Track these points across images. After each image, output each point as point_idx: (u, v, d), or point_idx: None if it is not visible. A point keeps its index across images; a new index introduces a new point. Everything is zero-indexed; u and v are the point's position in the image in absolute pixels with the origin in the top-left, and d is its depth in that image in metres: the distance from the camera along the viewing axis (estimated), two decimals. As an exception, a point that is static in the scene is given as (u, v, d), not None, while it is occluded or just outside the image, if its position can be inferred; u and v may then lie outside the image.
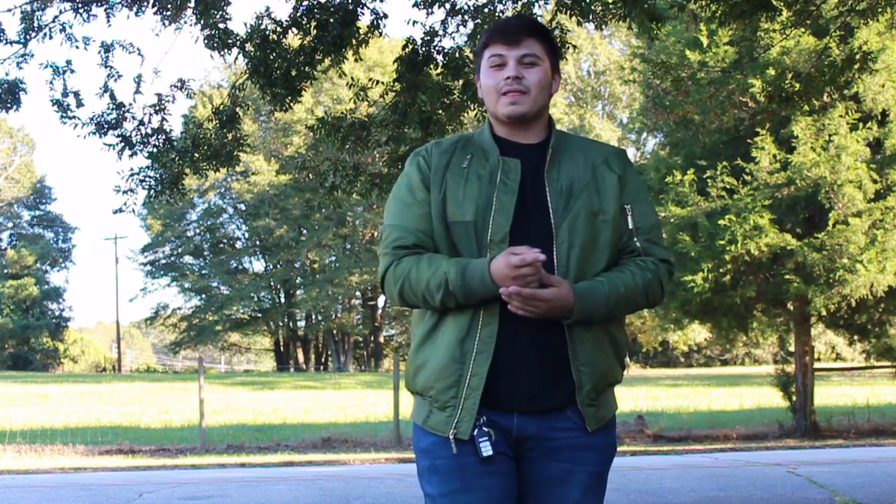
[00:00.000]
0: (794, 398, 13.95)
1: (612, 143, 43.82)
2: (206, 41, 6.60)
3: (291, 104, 6.91)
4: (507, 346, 2.19)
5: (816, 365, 17.09)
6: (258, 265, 48.23)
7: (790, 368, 14.18)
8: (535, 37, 2.31)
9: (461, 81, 7.14)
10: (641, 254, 2.31)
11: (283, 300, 47.60)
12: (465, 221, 2.22)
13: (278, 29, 6.82)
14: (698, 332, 33.70)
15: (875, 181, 12.97)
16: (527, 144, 2.32)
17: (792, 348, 14.96)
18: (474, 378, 2.18)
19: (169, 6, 6.44)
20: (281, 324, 48.24)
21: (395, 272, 2.26)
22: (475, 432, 2.19)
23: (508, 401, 2.21)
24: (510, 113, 2.28)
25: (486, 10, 7.15)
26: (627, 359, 45.80)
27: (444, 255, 2.24)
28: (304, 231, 44.58)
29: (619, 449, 11.97)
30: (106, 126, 6.79)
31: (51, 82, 6.66)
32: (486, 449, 2.18)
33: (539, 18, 7.41)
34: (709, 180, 13.21)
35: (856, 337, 15.72)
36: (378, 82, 7.59)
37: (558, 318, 2.17)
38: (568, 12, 6.91)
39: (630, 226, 2.29)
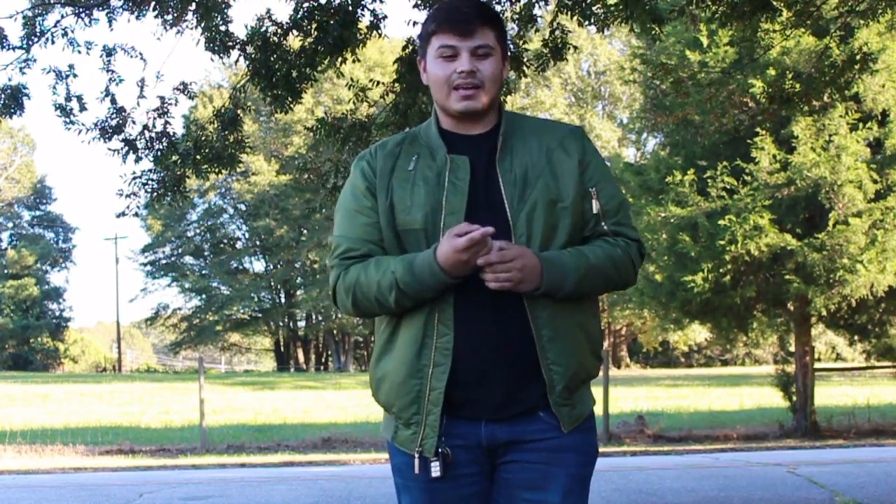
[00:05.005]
0: (794, 398, 13.96)
1: (612, 143, 43.87)
2: (206, 44, 6.61)
3: (292, 105, 6.91)
4: (467, 354, 2.09)
5: (817, 365, 17.10)
6: (258, 265, 48.30)
7: (790, 368, 14.19)
8: (487, 25, 2.17)
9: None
10: (611, 236, 2.20)
11: (283, 300, 47.60)
12: (415, 229, 2.13)
13: (279, 31, 6.83)
14: (698, 333, 33.73)
15: (875, 181, 12.97)
16: (475, 135, 2.21)
17: (792, 348, 14.97)
18: (433, 393, 2.10)
19: (170, 10, 6.45)
20: (281, 324, 48.25)
21: (344, 282, 2.17)
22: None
23: (474, 409, 2.13)
24: (464, 109, 2.17)
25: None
26: (628, 359, 45.87)
27: (392, 256, 2.14)
28: (305, 231, 44.56)
29: (619, 449, 12.10)
30: (110, 131, 6.80)
31: (53, 87, 6.67)
32: (436, 470, 2.11)
33: (539, 20, 7.42)
34: (709, 180, 13.22)
35: (856, 337, 15.73)
36: (378, 83, 7.60)
37: (530, 287, 2.06)
38: (569, 13, 6.91)
39: (596, 210, 2.18)
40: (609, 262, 2.16)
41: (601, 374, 14.38)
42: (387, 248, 2.17)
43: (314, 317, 47.04)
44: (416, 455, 2.13)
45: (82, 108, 6.73)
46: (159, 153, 6.94)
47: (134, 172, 7.00)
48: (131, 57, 6.78)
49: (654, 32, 6.67)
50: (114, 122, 6.82)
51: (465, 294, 2.10)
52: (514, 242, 2.10)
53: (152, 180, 7.04)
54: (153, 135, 6.92)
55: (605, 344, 43.40)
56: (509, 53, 2.33)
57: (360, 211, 2.19)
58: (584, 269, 2.12)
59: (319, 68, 7.05)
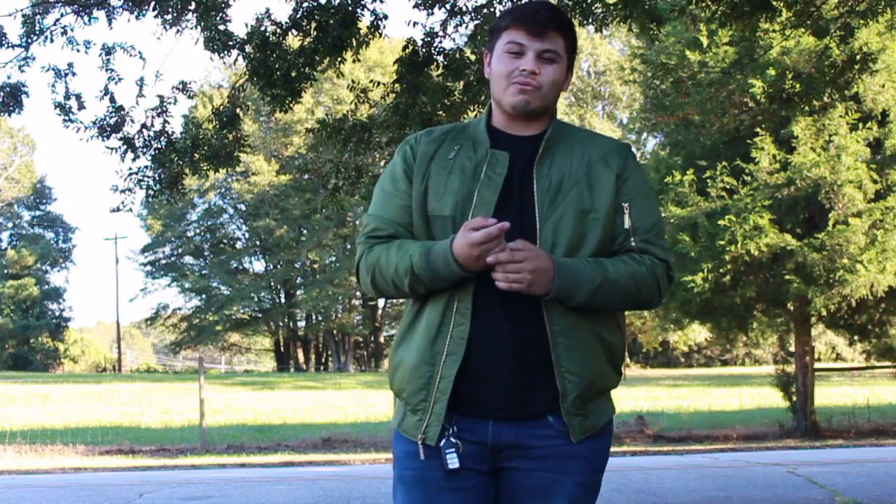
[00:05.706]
0: (794, 398, 13.96)
1: (612, 143, 43.86)
2: (206, 43, 6.61)
3: (291, 105, 6.91)
4: (480, 349, 2.08)
5: (817, 365, 17.10)
6: (258, 265, 48.28)
7: (790, 369, 14.20)
8: (560, 32, 2.16)
9: (461, 83, 7.15)
10: (637, 252, 2.16)
11: (283, 300, 47.60)
12: (444, 216, 2.12)
13: (278, 31, 6.83)
14: (698, 333, 33.71)
15: (875, 181, 12.98)
16: (522, 136, 2.18)
17: (792, 348, 14.97)
18: (443, 381, 2.08)
19: (170, 9, 6.45)
20: (281, 324, 48.25)
21: (366, 260, 2.18)
22: (442, 443, 2.09)
23: (482, 406, 2.10)
24: (517, 103, 2.14)
25: (485, 10, 7.16)
26: (628, 359, 45.90)
27: (416, 241, 2.14)
28: (305, 231, 44.58)
29: (619, 449, 12.08)
30: (108, 129, 6.80)
31: (53, 85, 6.67)
32: (453, 461, 2.08)
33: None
34: (709, 180, 13.23)
35: (856, 337, 15.74)
36: (378, 83, 7.60)
37: (541, 290, 2.03)
38: (569, 13, 6.91)
39: (626, 225, 2.15)
40: (630, 278, 2.12)
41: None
42: (415, 233, 2.17)
43: (314, 317, 47.03)
44: (420, 442, 2.12)
45: (81, 107, 6.74)
46: (157, 152, 6.94)
47: (130, 169, 7.00)
48: (130, 56, 6.78)
49: (652, 32, 6.67)
50: (112, 121, 6.82)
51: (486, 288, 2.08)
52: (538, 248, 2.07)
53: (148, 177, 7.04)
54: (151, 133, 6.92)
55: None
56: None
57: (395, 193, 2.20)
58: (599, 280, 2.08)
59: (319, 68, 7.05)
